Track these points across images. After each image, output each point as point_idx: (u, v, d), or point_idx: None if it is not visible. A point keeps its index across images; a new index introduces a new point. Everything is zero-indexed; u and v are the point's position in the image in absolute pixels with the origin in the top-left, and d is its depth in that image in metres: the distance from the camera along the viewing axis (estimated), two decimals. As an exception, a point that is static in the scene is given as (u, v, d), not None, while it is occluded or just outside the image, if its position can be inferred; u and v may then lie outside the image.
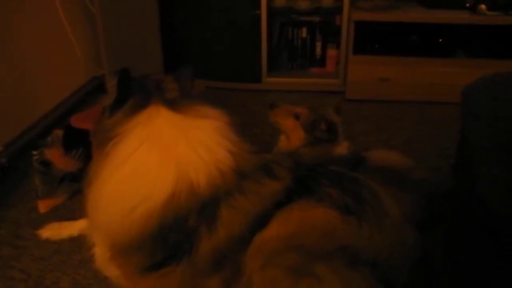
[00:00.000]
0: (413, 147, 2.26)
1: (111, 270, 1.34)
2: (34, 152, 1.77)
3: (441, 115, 2.57)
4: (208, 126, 1.26)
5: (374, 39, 2.73)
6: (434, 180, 1.72)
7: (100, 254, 1.38)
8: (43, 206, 1.80)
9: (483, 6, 2.57)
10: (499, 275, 1.03)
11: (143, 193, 1.17)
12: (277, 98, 2.80)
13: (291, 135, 1.85)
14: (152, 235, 1.17)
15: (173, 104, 1.24)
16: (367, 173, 1.48)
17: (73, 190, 1.85)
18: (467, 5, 2.64)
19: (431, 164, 2.08)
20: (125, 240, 1.20)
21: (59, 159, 1.81)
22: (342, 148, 1.84)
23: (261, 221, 1.17)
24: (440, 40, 2.70)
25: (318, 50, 2.96)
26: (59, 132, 1.83)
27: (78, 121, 1.88)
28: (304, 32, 2.94)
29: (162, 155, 1.19)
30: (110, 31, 2.57)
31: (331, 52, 2.94)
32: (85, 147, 1.79)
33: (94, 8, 2.55)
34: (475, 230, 1.11)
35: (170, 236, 1.18)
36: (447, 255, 1.32)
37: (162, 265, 1.21)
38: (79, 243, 1.60)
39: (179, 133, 1.22)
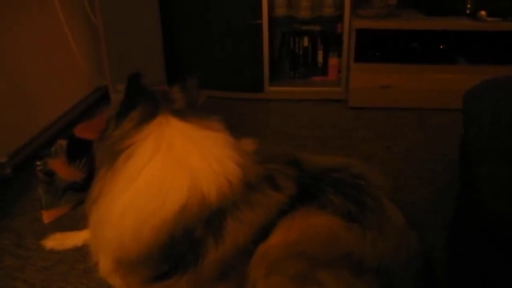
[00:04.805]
0: (415, 153, 2.26)
1: (115, 280, 1.34)
2: (38, 163, 1.78)
3: (442, 122, 2.57)
4: (217, 137, 1.26)
5: (375, 47, 2.74)
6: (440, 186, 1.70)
7: (104, 264, 1.37)
8: (47, 216, 1.80)
9: (483, 13, 2.58)
10: (501, 277, 1.02)
11: (155, 206, 1.16)
12: (279, 107, 2.82)
13: None
14: (161, 247, 1.17)
15: (181, 114, 1.24)
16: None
17: (77, 200, 1.85)
18: (467, 11, 2.66)
19: (433, 170, 2.08)
20: (133, 255, 1.19)
21: (63, 169, 1.81)
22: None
23: (265, 231, 1.18)
24: (441, 47, 2.71)
25: (320, 58, 2.97)
26: (62, 142, 1.83)
27: (82, 131, 1.88)
28: (305, 41, 2.95)
29: (175, 167, 1.19)
30: (112, 41, 2.59)
31: (333, 61, 2.94)
32: (88, 157, 1.80)
33: (96, 19, 2.58)
34: (477, 232, 1.10)
35: (178, 247, 1.17)
36: (449, 258, 1.31)
37: (167, 276, 1.21)
38: (83, 252, 1.60)
39: (191, 144, 1.21)
